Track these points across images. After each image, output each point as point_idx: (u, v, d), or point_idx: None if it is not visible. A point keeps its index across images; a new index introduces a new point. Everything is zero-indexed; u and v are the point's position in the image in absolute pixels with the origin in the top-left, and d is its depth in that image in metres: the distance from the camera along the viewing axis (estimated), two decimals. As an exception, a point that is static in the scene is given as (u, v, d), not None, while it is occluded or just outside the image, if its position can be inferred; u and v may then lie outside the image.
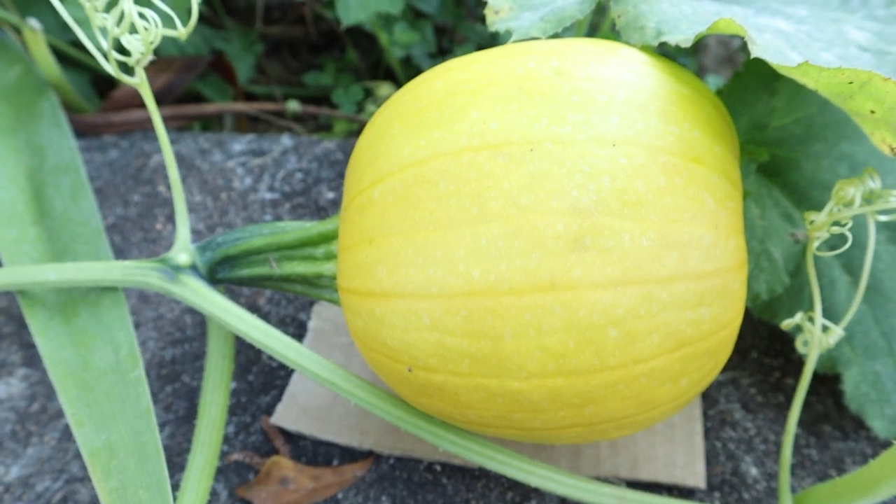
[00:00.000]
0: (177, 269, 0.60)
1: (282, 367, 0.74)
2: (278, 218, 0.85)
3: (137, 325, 0.76)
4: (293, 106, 1.05)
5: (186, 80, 1.00)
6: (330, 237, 0.59)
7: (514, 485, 0.64)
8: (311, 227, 0.60)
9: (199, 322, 0.77)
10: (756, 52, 0.47)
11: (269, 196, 0.87)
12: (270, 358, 0.74)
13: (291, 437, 0.68)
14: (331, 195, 0.87)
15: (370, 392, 0.55)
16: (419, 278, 0.45)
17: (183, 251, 0.61)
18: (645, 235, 0.43)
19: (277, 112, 1.06)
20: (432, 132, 0.48)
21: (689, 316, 0.45)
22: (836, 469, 0.65)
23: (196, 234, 0.85)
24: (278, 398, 0.71)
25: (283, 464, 0.64)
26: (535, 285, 0.43)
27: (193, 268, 0.60)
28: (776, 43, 0.51)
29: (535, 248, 0.43)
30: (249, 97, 1.16)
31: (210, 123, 1.12)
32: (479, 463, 0.56)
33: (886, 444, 0.65)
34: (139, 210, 0.87)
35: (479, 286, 0.44)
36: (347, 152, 0.90)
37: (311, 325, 0.75)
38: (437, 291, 0.45)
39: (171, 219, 0.86)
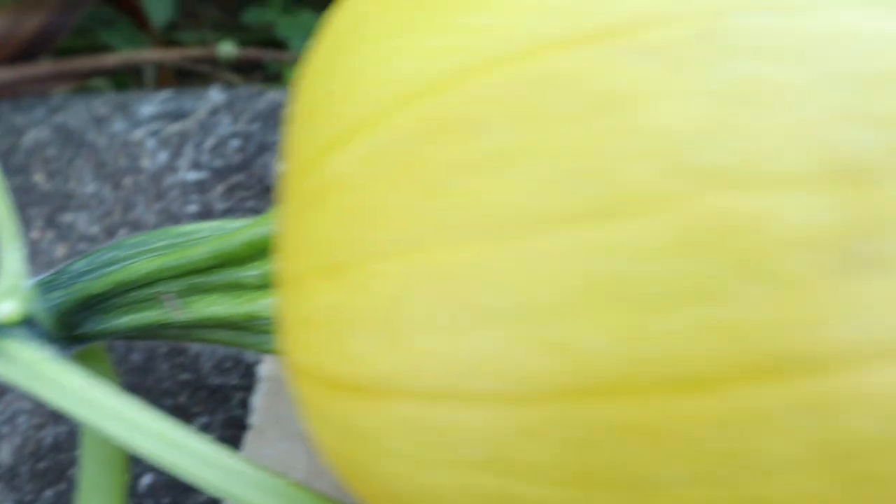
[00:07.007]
0: (-3, 327, 0.33)
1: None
2: (207, 207, 0.58)
3: (1, 392, 0.50)
4: (227, 49, 0.77)
5: (68, 21, 0.72)
6: (268, 247, 0.33)
7: None
8: (230, 234, 0.33)
9: (96, 378, 0.51)
10: None
11: (192, 176, 0.60)
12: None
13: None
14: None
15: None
16: (468, 365, 0.19)
17: (9, 296, 0.34)
18: None
19: (208, 59, 0.78)
20: (459, 19, 0.21)
21: None
22: None
23: (90, 241, 0.58)
24: None
25: None
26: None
27: (28, 324, 0.34)
28: None
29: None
30: (174, 46, 0.87)
31: (125, 83, 0.84)
32: None
33: None
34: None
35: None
36: (303, 105, 0.63)
37: (265, 371, 0.48)
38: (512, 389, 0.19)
39: (52, 221, 0.59)
